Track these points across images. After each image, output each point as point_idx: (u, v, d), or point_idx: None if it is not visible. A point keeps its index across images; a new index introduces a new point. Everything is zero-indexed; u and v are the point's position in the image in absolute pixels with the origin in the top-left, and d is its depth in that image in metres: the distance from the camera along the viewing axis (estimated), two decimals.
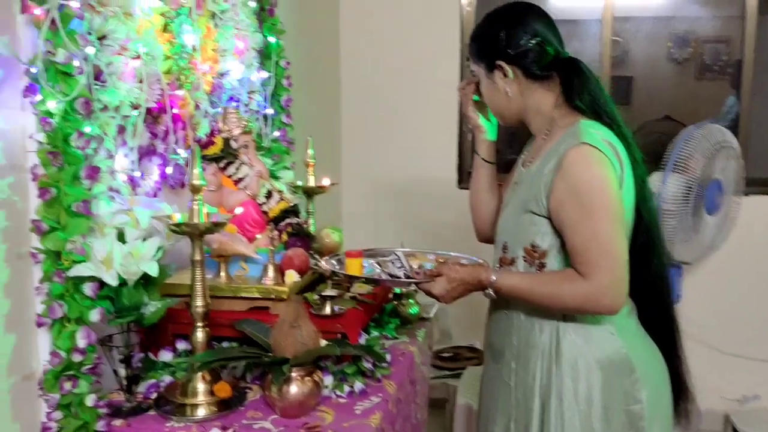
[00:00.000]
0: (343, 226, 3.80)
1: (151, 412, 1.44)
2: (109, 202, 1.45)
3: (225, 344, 1.65)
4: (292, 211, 1.85)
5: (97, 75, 1.45)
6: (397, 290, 1.94)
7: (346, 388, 1.52)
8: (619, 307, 1.37)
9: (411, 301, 1.98)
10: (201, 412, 1.41)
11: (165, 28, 1.73)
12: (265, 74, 2.31)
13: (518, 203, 1.49)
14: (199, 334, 1.46)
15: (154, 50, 1.63)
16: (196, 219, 1.39)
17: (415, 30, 3.63)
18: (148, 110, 1.65)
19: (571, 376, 1.42)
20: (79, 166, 1.32)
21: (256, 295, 1.64)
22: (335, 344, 1.50)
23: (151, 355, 1.60)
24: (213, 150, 1.78)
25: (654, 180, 3.00)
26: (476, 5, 3.64)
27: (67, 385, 1.32)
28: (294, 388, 1.40)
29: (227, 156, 1.79)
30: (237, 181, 1.80)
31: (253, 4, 2.20)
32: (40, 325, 1.32)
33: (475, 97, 1.64)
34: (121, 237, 1.40)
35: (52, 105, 1.27)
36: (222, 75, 2.06)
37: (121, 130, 1.55)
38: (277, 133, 2.39)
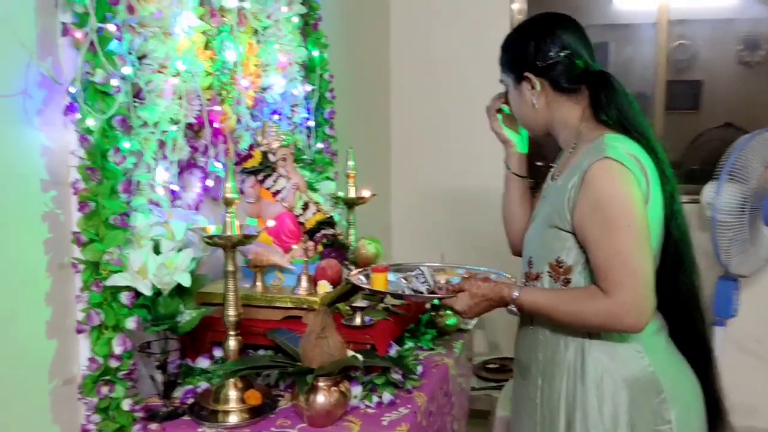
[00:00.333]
0: (393, 235, 3.83)
1: (186, 418, 1.49)
2: (148, 214, 1.52)
3: (261, 352, 1.69)
4: (328, 222, 1.88)
5: (138, 92, 1.52)
6: (436, 301, 1.95)
7: (375, 399, 1.54)
8: (644, 325, 1.33)
9: (449, 312, 1.97)
10: (232, 419, 1.46)
11: (206, 45, 1.79)
12: (309, 87, 2.36)
13: (543, 218, 1.48)
14: (232, 343, 1.50)
15: (194, 67, 1.69)
16: (228, 231, 1.44)
17: (466, 38, 3.63)
18: (189, 125, 1.71)
19: (597, 394, 1.40)
20: (116, 180, 1.39)
21: (289, 305, 1.68)
22: (362, 355, 1.52)
23: (189, 362, 1.65)
24: (251, 163, 1.83)
25: (708, 190, 2.92)
26: (527, 12, 3.61)
27: (104, 390, 1.38)
28: (321, 398, 1.42)
29: (265, 169, 1.84)
30: (275, 193, 1.84)
31: (297, 20, 2.25)
32: (79, 332, 1.38)
33: (506, 109, 1.63)
34: (157, 248, 1.46)
35: (91, 123, 1.34)
36: (264, 89, 2.11)
37: (162, 144, 1.61)
38: (320, 145, 2.44)
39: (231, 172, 1.45)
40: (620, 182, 1.33)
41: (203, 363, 1.66)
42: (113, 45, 1.38)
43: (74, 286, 1.40)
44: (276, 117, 2.16)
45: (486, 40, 3.63)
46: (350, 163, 2.15)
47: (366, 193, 2.15)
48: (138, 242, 1.44)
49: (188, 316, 1.52)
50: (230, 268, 1.48)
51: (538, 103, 1.48)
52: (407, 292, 1.62)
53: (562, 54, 1.44)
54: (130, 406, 1.41)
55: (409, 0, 3.70)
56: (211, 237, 1.45)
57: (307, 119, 2.38)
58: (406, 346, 1.83)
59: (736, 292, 3.00)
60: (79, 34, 1.32)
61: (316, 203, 1.90)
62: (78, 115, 1.33)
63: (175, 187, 1.65)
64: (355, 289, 1.79)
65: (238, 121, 1.95)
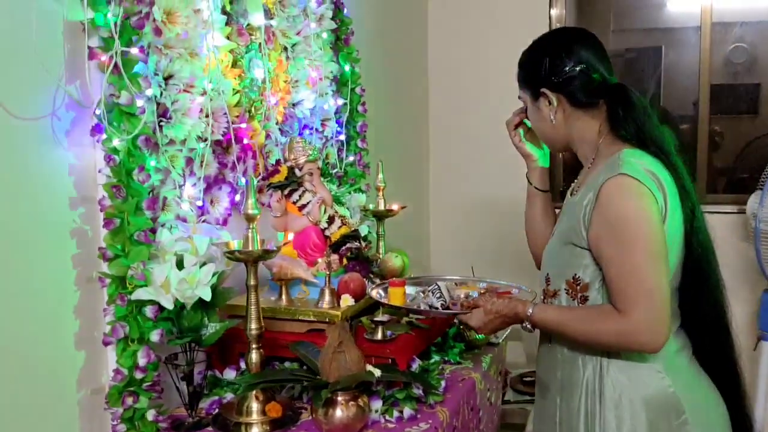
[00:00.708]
0: (431, 247, 3.83)
1: (210, 429, 1.53)
2: (174, 229, 1.56)
3: (287, 364, 1.72)
4: (353, 235, 1.90)
5: (164, 112, 1.57)
6: None
7: (395, 414, 1.54)
8: (660, 345, 1.30)
9: None
10: (254, 431, 1.48)
11: (234, 63, 1.83)
12: (340, 101, 2.39)
13: (560, 234, 1.46)
14: (254, 355, 1.53)
15: (221, 86, 1.73)
16: (250, 246, 1.47)
17: (505, 47, 3.59)
18: (217, 141, 1.75)
19: (615, 414, 1.37)
20: (141, 197, 1.44)
21: (312, 318, 1.70)
22: (382, 369, 1.52)
23: (217, 373, 1.69)
24: (278, 178, 1.87)
25: (752, 200, 2.83)
26: (565, 21, 3.57)
27: (129, 400, 1.42)
28: (339, 412, 1.44)
29: (291, 183, 1.87)
30: (300, 207, 1.87)
31: (326, 36, 2.28)
32: (106, 344, 1.43)
33: (528, 123, 1.63)
34: (180, 263, 1.50)
35: (116, 142, 1.39)
36: (294, 105, 2.15)
37: (189, 161, 1.66)
38: (352, 158, 2.46)
39: (252, 188, 1.48)
40: (635, 199, 1.30)
41: (230, 374, 1.70)
42: (138, 67, 1.43)
43: (102, 299, 1.45)
44: (306, 132, 2.20)
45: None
46: (380, 176, 2.16)
47: (395, 206, 2.16)
48: (162, 257, 1.48)
49: (212, 328, 1.55)
50: (252, 282, 1.50)
51: (556, 119, 1.47)
52: (423, 307, 1.62)
53: (577, 68, 1.42)
54: (155, 417, 1.45)
55: (447, 10, 3.71)
56: (232, 252, 1.48)
57: (339, 132, 2.40)
58: (432, 360, 1.83)
59: None
60: (104, 58, 1.37)
61: (342, 217, 1.92)
62: (104, 136, 1.39)
63: (199, 203, 1.69)
64: (378, 303, 1.80)
65: (267, 136, 1.99)
